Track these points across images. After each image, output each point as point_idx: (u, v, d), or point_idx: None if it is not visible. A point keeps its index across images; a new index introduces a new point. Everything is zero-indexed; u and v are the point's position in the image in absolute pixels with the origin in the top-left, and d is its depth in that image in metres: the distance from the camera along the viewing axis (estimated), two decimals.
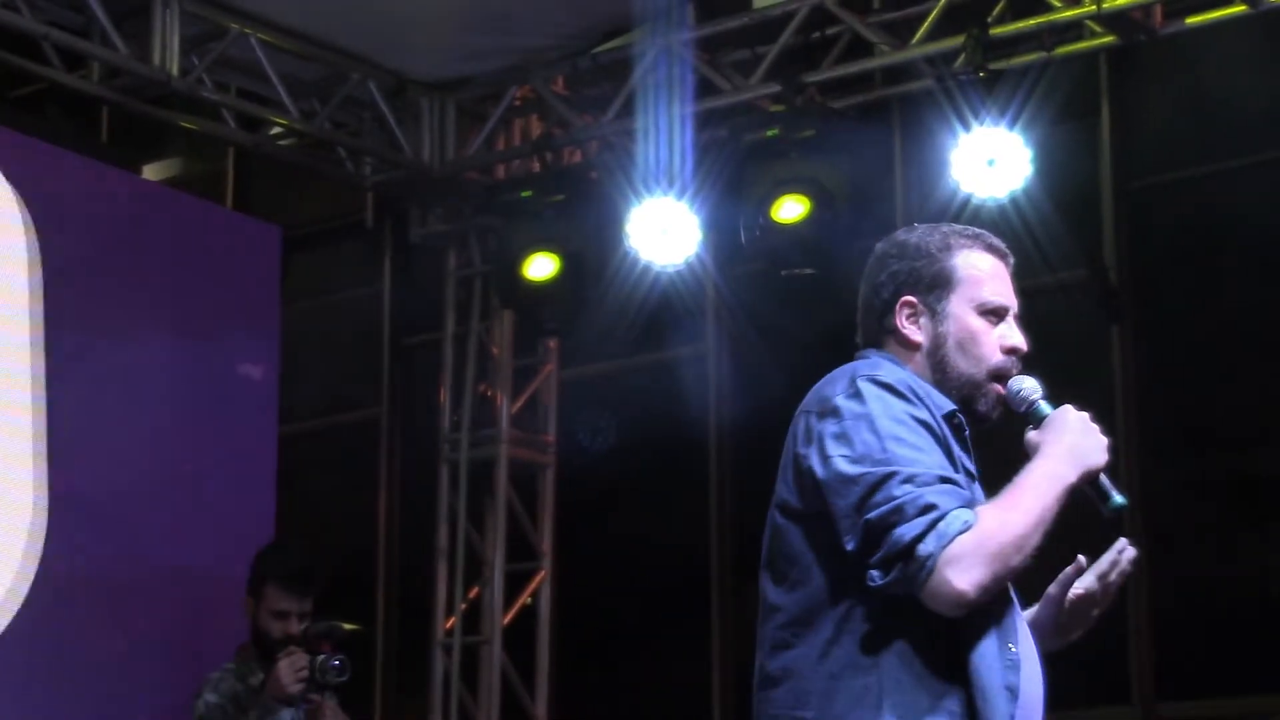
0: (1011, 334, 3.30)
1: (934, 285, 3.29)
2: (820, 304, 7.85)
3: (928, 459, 3.10)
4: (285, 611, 5.74)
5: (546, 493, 8.74)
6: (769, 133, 7.60)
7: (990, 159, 7.00)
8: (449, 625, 8.56)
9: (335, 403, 9.62)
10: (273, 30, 7.81)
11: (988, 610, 3.10)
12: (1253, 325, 7.55)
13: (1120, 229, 7.80)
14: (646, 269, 7.75)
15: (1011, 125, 7.02)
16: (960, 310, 3.28)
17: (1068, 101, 7.45)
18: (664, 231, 7.63)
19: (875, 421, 3.11)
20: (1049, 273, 7.77)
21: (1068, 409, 3.23)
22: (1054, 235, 7.47)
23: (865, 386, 3.15)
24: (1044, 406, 3.26)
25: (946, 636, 3.08)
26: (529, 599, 8.62)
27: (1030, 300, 8.18)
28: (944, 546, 3.02)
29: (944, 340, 3.28)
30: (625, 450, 8.50)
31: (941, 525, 3.03)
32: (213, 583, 7.48)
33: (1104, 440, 3.19)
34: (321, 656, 5.62)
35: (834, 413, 3.14)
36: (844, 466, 3.09)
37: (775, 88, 7.60)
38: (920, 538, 3.02)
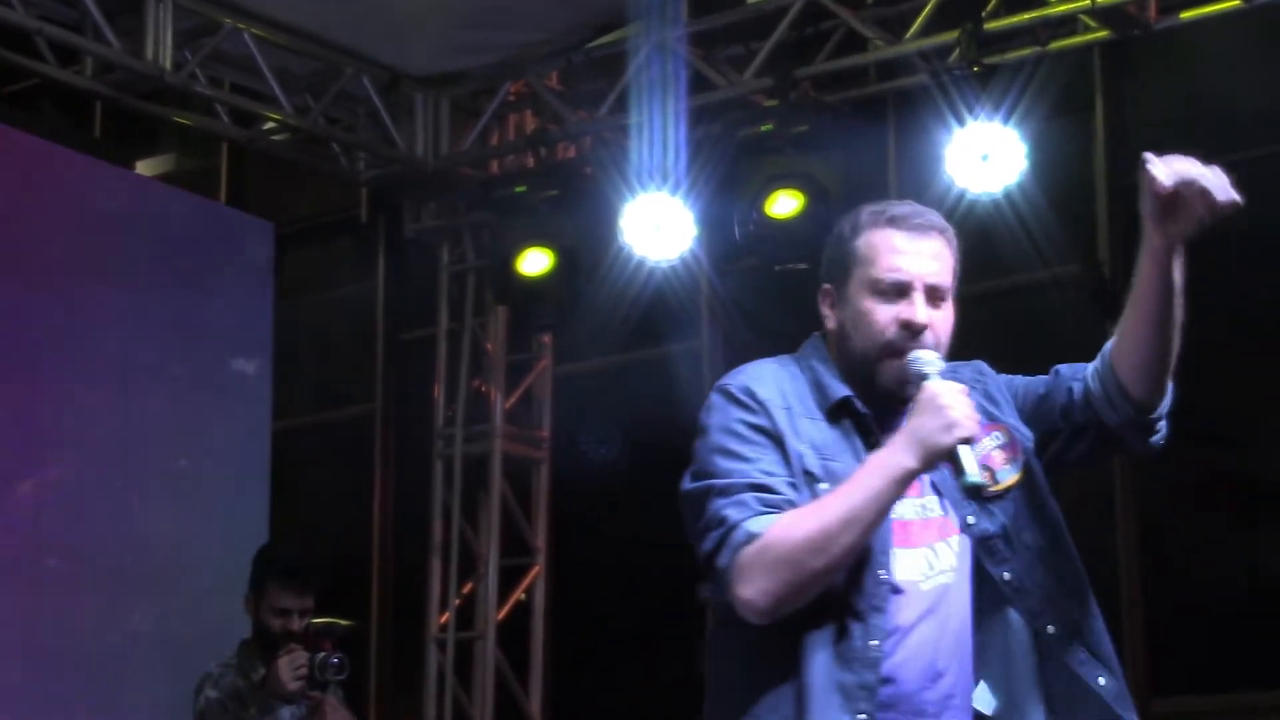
0: (908, 308, 3.18)
1: (840, 270, 3.25)
2: (814, 299, 7.86)
3: (750, 467, 3.12)
4: (286, 609, 5.78)
5: (541, 488, 8.74)
6: (763, 128, 7.59)
7: (984, 154, 6.99)
8: (443, 621, 8.56)
9: (329, 398, 9.61)
10: (266, 25, 7.80)
11: (833, 608, 3.07)
12: (1247, 320, 7.55)
13: (1114, 224, 7.80)
14: (641, 265, 7.75)
15: (1006, 120, 7.01)
16: (855, 292, 3.22)
17: (1062, 96, 7.45)
18: (658, 227, 7.63)
19: (709, 435, 3.17)
20: (1043, 268, 7.77)
21: (926, 386, 3.11)
22: (1048, 230, 7.47)
23: (711, 398, 3.21)
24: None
25: (783, 637, 3.08)
26: (523, 594, 8.62)
27: (1024, 295, 8.23)
28: (734, 559, 3.05)
29: (845, 324, 3.23)
30: (620, 446, 8.50)
31: (730, 538, 3.06)
32: (208, 577, 7.49)
33: (954, 418, 3.03)
34: (321, 654, 5.67)
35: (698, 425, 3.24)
36: (684, 483, 3.18)
37: (769, 83, 7.59)
38: (715, 552, 3.08)
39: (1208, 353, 7.62)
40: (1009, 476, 3.23)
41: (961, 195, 7.24)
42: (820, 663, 3.06)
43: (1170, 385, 3.30)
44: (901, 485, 3.04)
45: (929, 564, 3.16)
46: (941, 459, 3.05)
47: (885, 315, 3.18)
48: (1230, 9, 7.05)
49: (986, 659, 3.18)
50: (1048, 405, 3.34)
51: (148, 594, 7.43)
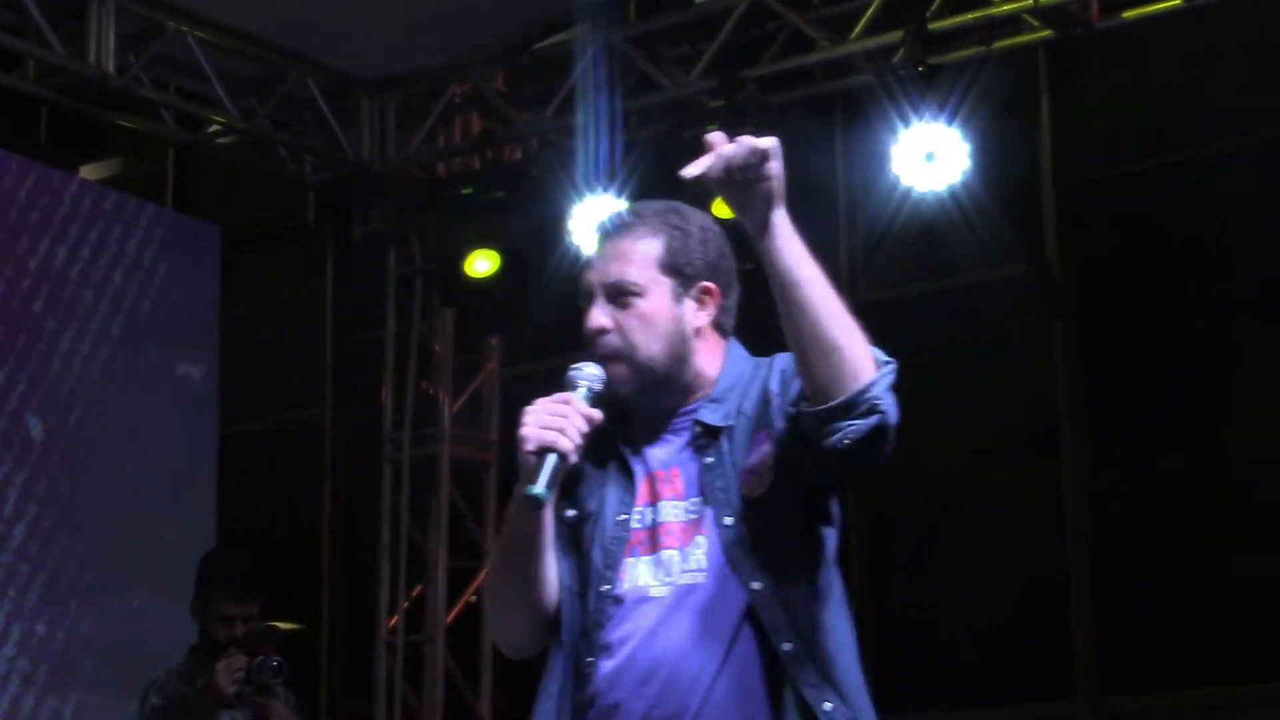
0: (589, 317, 3.10)
1: None
2: (760, 299, 7.87)
3: None
4: (230, 616, 5.79)
5: (490, 491, 8.72)
6: (709, 128, 7.58)
7: (929, 153, 7.01)
8: (392, 624, 8.54)
9: (278, 402, 9.57)
10: (210, 28, 7.77)
11: (568, 629, 3.07)
12: (1196, 319, 7.59)
13: (1061, 223, 7.83)
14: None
15: (951, 120, 7.04)
16: None
17: (1008, 96, 7.47)
18: None
19: None
20: (990, 268, 7.80)
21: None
22: (994, 230, 7.49)
23: None
24: (578, 394, 3.04)
25: (547, 661, 3.11)
26: (473, 597, 8.61)
27: (971, 296, 8.24)
28: None
29: None
30: None
31: None
32: (155, 582, 7.46)
33: (520, 435, 2.94)
34: (259, 658, 5.67)
35: None
36: None
37: (715, 84, 7.60)
38: None
39: (1158, 352, 7.68)
40: (760, 484, 3.04)
41: (908, 194, 7.27)
42: (557, 684, 3.06)
43: (849, 383, 2.88)
44: (520, 513, 2.99)
45: (669, 569, 3.03)
46: (525, 474, 2.95)
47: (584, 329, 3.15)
48: (1172, 8, 7.08)
49: (732, 669, 3.00)
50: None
51: (93, 599, 7.39)
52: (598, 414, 3.00)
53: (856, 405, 2.86)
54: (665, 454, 3.11)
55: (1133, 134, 7.81)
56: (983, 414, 7.87)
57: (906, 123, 7.04)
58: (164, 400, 7.90)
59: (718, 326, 3.17)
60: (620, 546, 3.06)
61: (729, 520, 3.02)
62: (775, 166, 2.91)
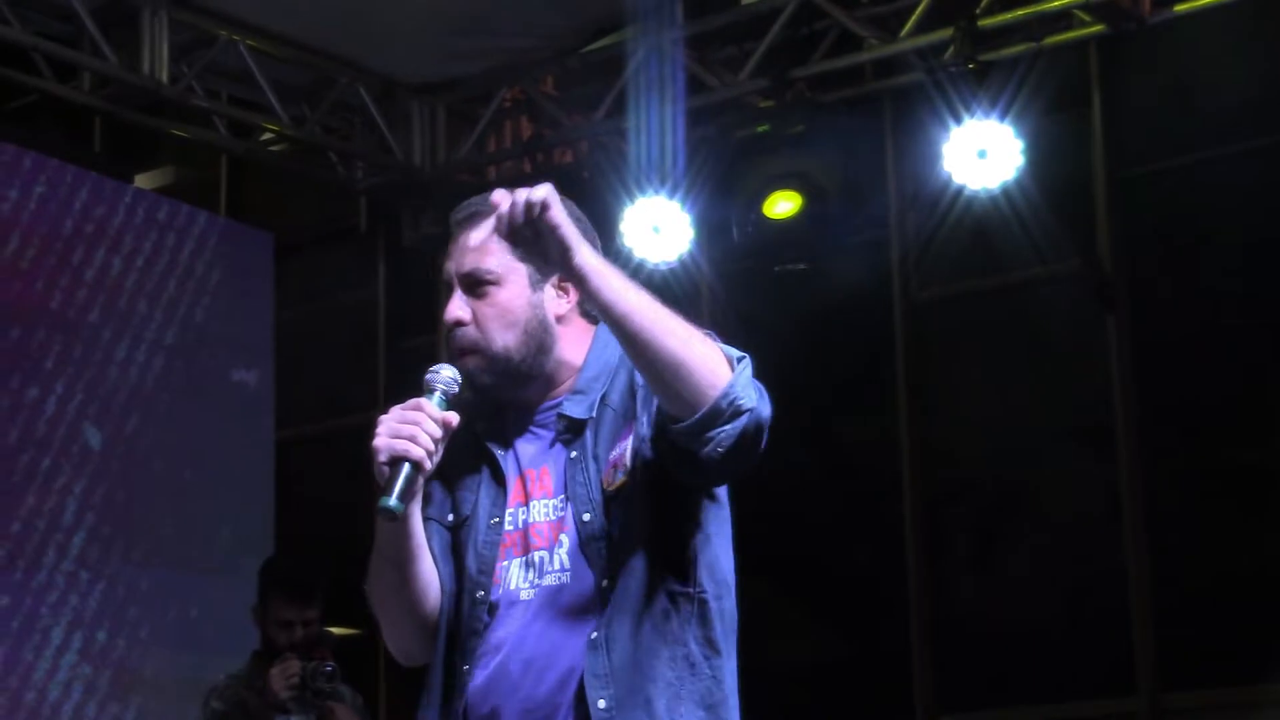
0: (444, 310, 3.02)
1: None
2: (813, 299, 7.86)
3: None
4: (289, 621, 5.85)
5: None
6: (759, 129, 7.60)
7: (981, 150, 6.99)
8: None
9: (331, 407, 9.61)
10: (261, 36, 7.81)
11: (444, 640, 3.01)
12: (1247, 311, 7.55)
13: (1113, 219, 7.79)
14: (639, 267, 7.75)
15: (1002, 116, 7.01)
16: None
17: (1059, 91, 7.45)
18: (656, 230, 7.63)
19: None
20: (1041, 264, 7.77)
21: None
22: (1046, 227, 7.47)
23: None
24: (431, 399, 2.94)
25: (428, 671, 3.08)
26: None
27: (1024, 292, 8.21)
28: None
29: None
30: None
31: None
32: (213, 589, 7.50)
33: (373, 446, 2.86)
34: (313, 663, 5.71)
35: None
36: None
37: (764, 84, 7.59)
38: None
39: (1210, 344, 7.64)
40: (618, 478, 2.95)
41: (959, 192, 7.25)
42: (438, 693, 3.00)
43: (707, 392, 2.78)
44: (381, 524, 2.92)
45: (539, 570, 2.96)
46: (385, 485, 2.86)
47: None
48: (1223, 1, 7.05)
49: (602, 664, 2.89)
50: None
51: (152, 606, 7.43)
52: (453, 417, 2.91)
53: (720, 412, 2.77)
54: (535, 450, 3.03)
55: (1184, 127, 7.77)
56: (1037, 410, 7.84)
57: (958, 120, 7.02)
58: (219, 407, 7.94)
59: (585, 313, 3.06)
60: (494, 551, 3.00)
61: (586, 516, 2.94)
62: (555, 214, 2.76)
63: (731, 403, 2.78)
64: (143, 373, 7.62)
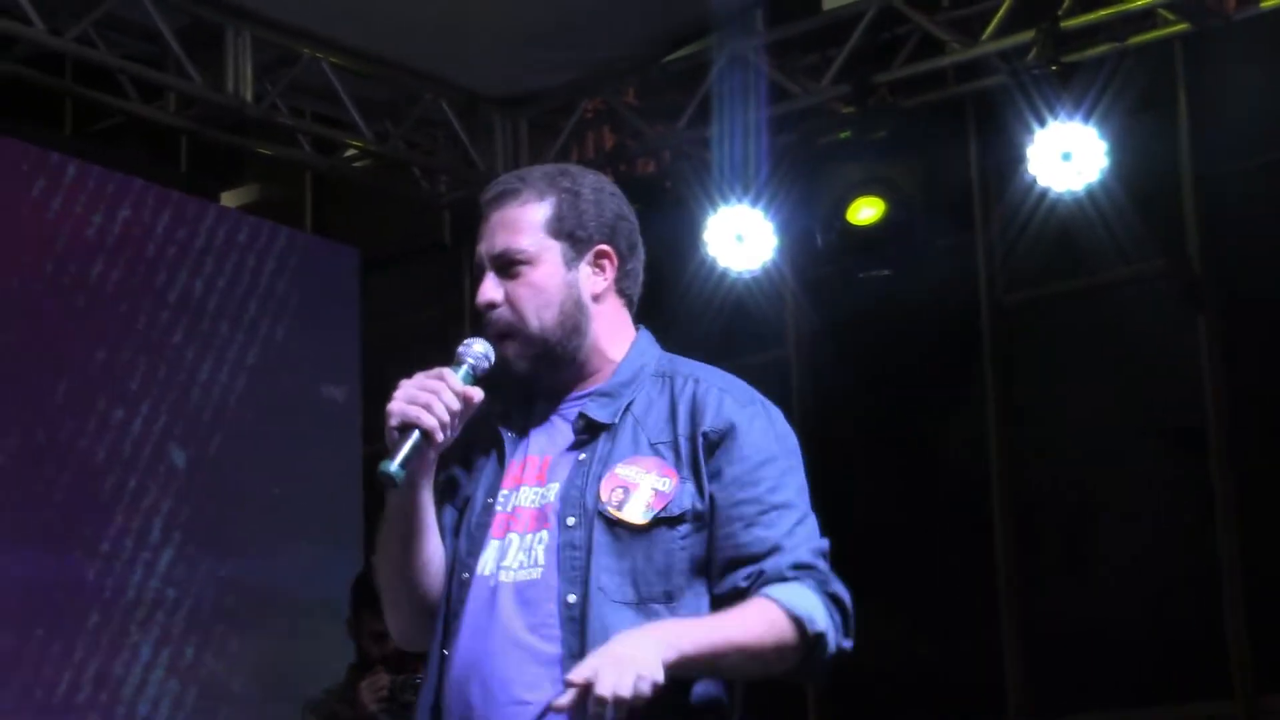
0: (478, 292, 2.94)
1: None
2: (898, 305, 7.83)
3: None
4: (382, 633, 5.85)
5: None
6: (841, 135, 7.58)
7: (1066, 152, 6.95)
8: None
9: None
10: (343, 53, 7.86)
11: (435, 624, 2.93)
12: None
13: (1201, 219, 7.73)
14: (724, 276, 7.74)
15: (1087, 118, 6.97)
16: None
17: (1144, 91, 7.39)
18: (740, 238, 7.62)
19: None
20: (1129, 265, 7.72)
21: None
22: (1132, 226, 7.42)
23: None
24: (457, 372, 2.88)
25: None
26: None
27: (1111, 294, 8.13)
28: None
29: None
30: None
31: None
32: (303, 604, 7.54)
33: (387, 410, 2.82)
34: (403, 676, 5.72)
35: None
36: None
37: (846, 90, 7.57)
38: None
39: None
40: (632, 514, 2.83)
41: (1044, 194, 7.21)
42: (433, 678, 2.91)
43: (785, 667, 2.85)
44: (392, 499, 2.87)
45: (511, 555, 2.86)
46: (391, 450, 2.80)
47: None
48: None
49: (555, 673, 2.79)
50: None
51: (239, 622, 7.47)
52: (476, 393, 2.86)
53: (807, 677, 2.85)
54: (547, 440, 2.94)
55: (1272, 125, 7.69)
56: (1127, 411, 7.78)
57: (1042, 123, 6.98)
58: (307, 423, 7.98)
59: (620, 292, 3.00)
60: (483, 532, 2.90)
61: (571, 521, 2.84)
62: (644, 685, 2.61)
63: (813, 670, 2.84)
64: (226, 392, 7.67)
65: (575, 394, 2.96)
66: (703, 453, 2.88)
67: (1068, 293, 8.04)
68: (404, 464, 2.78)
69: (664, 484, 2.84)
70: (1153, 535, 7.70)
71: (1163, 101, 7.78)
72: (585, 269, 2.96)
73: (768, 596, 2.80)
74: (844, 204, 7.37)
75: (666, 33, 8.02)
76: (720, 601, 2.83)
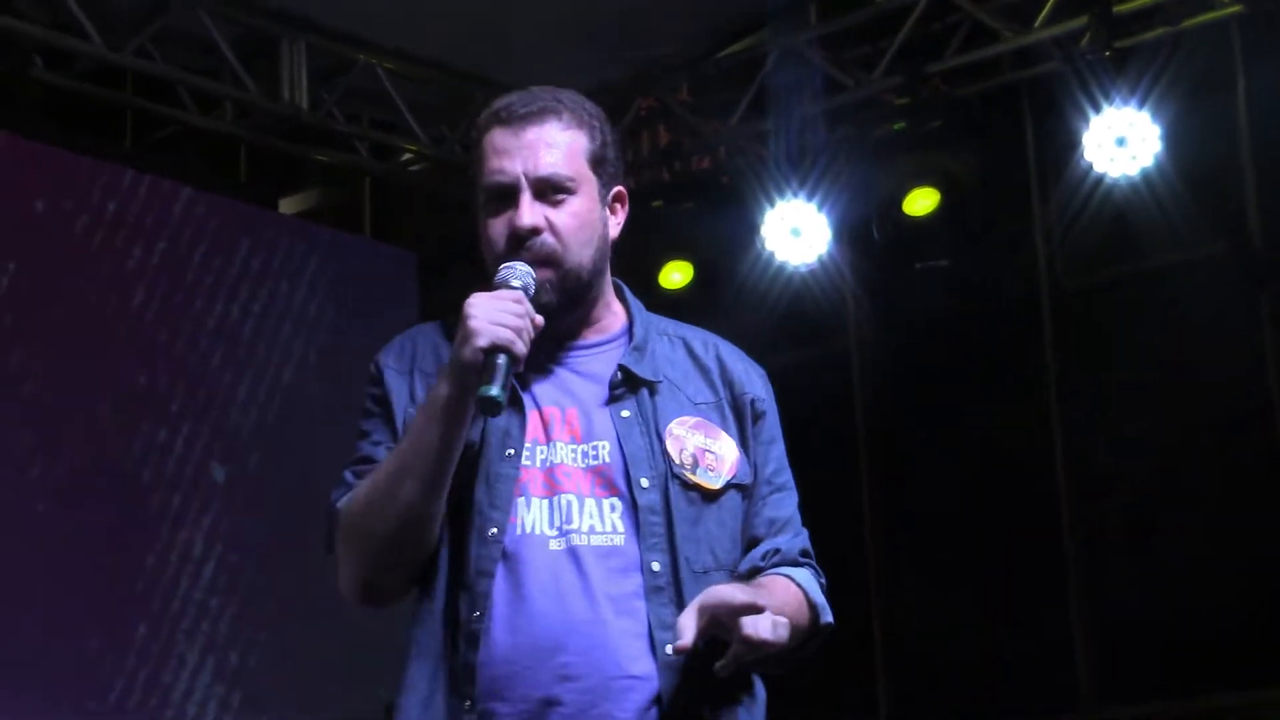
0: (513, 215, 2.71)
1: (473, 188, 2.82)
2: (957, 295, 7.81)
3: (364, 442, 2.76)
4: None
5: None
6: (895, 127, 7.57)
7: (1122, 137, 6.92)
8: None
9: None
10: (397, 59, 7.89)
11: (442, 578, 2.66)
12: None
13: (1262, 200, 7.69)
14: (781, 270, 7.75)
15: (1143, 102, 6.93)
16: (479, 209, 2.79)
17: (1202, 74, 7.34)
18: (796, 232, 7.62)
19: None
20: (1189, 248, 7.68)
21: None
22: (1190, 210, 7.38)
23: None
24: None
25: (417, 618, 2.71)
26: None
27: (1171, 276, 8.08)
28: (331, 546, 2.74)
29: (482, 250, 2.79)
30: None
31: (328, 525, 2.74)
32: (337, 610, 7.56)
33: (471, 327, 2.59)
34: None
35: None
36: None
37: (899, 81, 7.55)
38: (329, 545, 2.76)
39: None
40: (708, 478, 2.73)
41: (1100, 180, 7.18)
42: (431, 643, 2.66)
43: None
44: (443, 419, 2.60)
45: (568, 517, 2.66)
46: (468, 375, 2.59)
47: (494, 231, 2.74)
48: None
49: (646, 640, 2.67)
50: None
51: (284, 628, 7.51)
52: (541, 320, 2.66)
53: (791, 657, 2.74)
54: (559, 392, 2.76)
55: None
56: (1191, 394, 7.74)
57: (1097, 108, 6.95)
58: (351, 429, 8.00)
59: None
60: (509, 485, 2.67)
61: (645, 482, 2.70)
62: (784, 631, 2.60)
63: (802, 658, 2.76)
64: (265, 404, 7.71)
65: (581, 343, 2.80)
66: (750, 422, 2.82)
67: (1128, 277, 8.01)
68: (503, 389, 2.58)
69: (729, 449, 2.76)
70: (1219, 519, 7.66)
71: (1220, 84, 7.73)
72: (608, 209, 2.82)
73: (789, 578, 2.76)
74: (899, 195, 7.37)
75: (718, 28, 8.02)
76: (738, 577, 2.75)
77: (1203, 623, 7.55)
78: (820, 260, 7.71)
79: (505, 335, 2.58)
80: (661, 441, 2.72)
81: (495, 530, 2.65)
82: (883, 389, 8.40)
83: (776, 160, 7.69)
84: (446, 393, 2.60)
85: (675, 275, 8.00)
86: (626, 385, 2.76)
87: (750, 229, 7.70)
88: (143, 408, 7.27)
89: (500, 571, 2.64)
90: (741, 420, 2.81)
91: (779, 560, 2.79)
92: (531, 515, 2.67)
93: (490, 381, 2.55)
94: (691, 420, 2.76)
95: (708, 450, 2.74)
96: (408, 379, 2.77)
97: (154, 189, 7.48)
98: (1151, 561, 7.79)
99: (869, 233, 7.49)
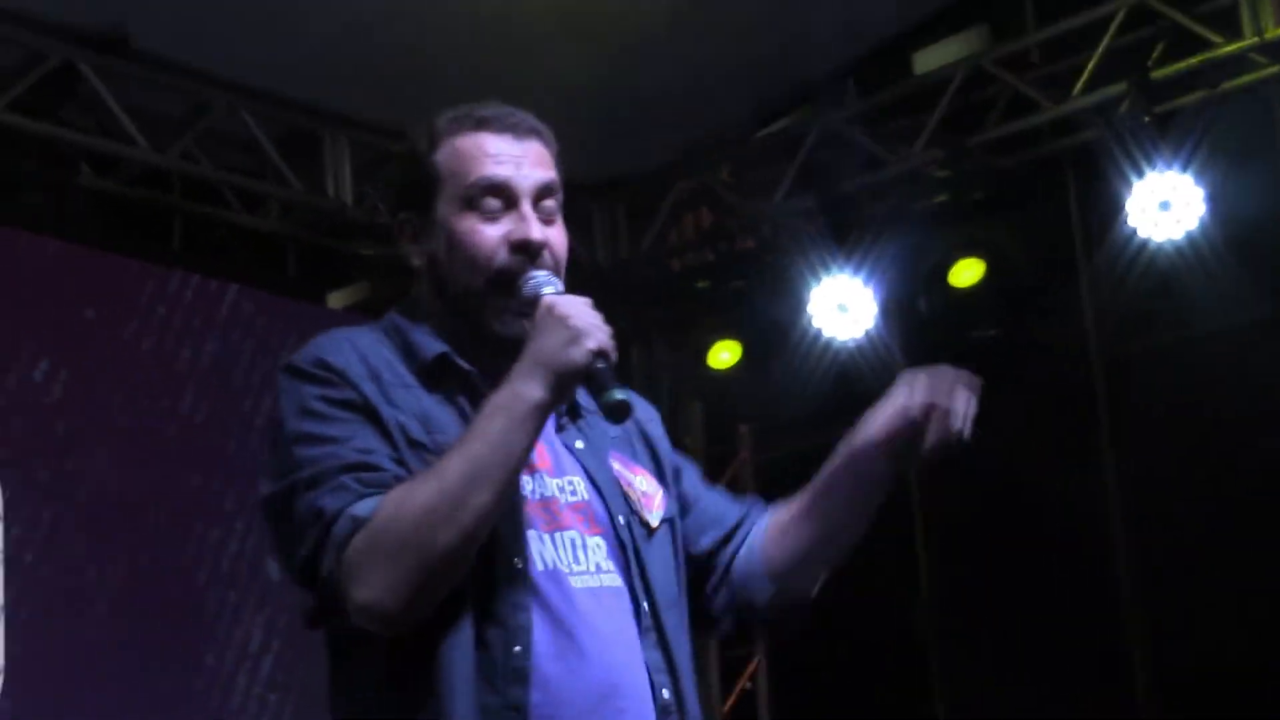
0: (521, 225, 2.61)
1: (421, 192, 2.67)
2: (1008, 365, 7.78)
3: (340, 447, 2.50)
4: None
5: None
6: (938, 199, 7.58)
7: (1165, 201, 6.91)
8: None
9: None
10: None
11: (465, 612, 2.47)
12: None
13: None
14: (829, 345, 7.74)
15: (1185, 166, 6.92)
16: (446, 213, 2.65)
17: (1244, 135, 7.33)
18: (842, 307, 7.62)
19: (283, 425, 2.54)
20: (1238, 312, 7.63)
21: (543, 301, 2.52)
22: (1237, 274, 7.34)
23: (280, 380, 2.60)
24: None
25: (417, 659, 2.47)
26: (748, 684, 8.59)
27: (1220, 340, 8.05)
28: (341, 557, 2.42)
29: (436, 255, 2.66)
30: None
31: (331, 533, 2.43)
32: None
33: (580, 327, 2.46)
34: None
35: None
36: (262, 489, 2.57)
37: (940, 153, 7.56)
38: (315, 556, 2.45)
39: None
40: (649, 515, 2.67)
41: (1144, 244, 7.15)
42: (460, 684, 2.45)
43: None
44: (532, 424, 2.44)
45: (575, 555, 2.57)
46: (574, 380, 2.48)
47: (490, 237, 2.62)
48: None
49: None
50: (693, 523, 2.83)
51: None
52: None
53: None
54: None
55: None
56: (1245, 457, 7.68)
57: (1140, 174, 6.94)
58: None
59: None
60: (519, 514, 2.54)
61: (622, 520, 2.64)
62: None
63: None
64: None
65: None
66: (661, 457, 2.82)
67: (1178, 342, 7.97)
68: None
69: (652, 483, 2.74)
70: (1275, 583, 7.58)
71: (1263, 145, 7.71)
72: None
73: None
74: (945, 267, 7.36)
75: (758, 107, 8.05)
76: (725, 540, 2.84)
77: (1261, 684, 7.48)
78: (868, 334, 7.71)
79: (608, 340, 2.50)
80: (615, 476, 2.67)
81: (519, 562, 2.52)
82: (935, 462, 8.35)
83: (821, 237, 7.70)
84: (540, 396, 2.45)
85: (724, 354, 8.02)
86: (569, 414, 2.71)
87: (797, 306, 7.71)
88: (196, 508, 7.31)
89: (535, 607, 2.51)
90: (653, 453, 2.80)
91: (758, 511, 2.89)
92: (547, 550, 2.56)
93: (609, 385, 2.47)
94: (620, 454, 2.73)
95: (638, 483, 2.71)
96: (374, 385, 2.57)
97: (201, 289, 7.52)
98: (1212, 625, 7.72)
99: (915, 305, 7.48)
